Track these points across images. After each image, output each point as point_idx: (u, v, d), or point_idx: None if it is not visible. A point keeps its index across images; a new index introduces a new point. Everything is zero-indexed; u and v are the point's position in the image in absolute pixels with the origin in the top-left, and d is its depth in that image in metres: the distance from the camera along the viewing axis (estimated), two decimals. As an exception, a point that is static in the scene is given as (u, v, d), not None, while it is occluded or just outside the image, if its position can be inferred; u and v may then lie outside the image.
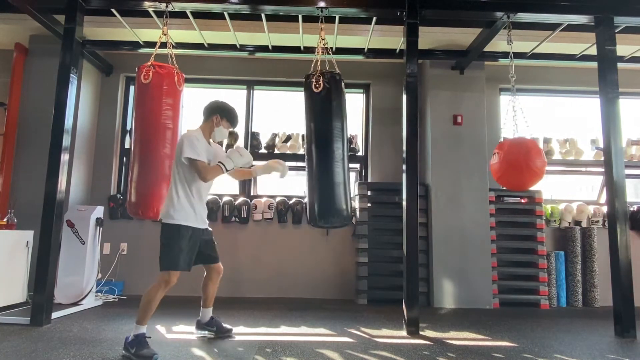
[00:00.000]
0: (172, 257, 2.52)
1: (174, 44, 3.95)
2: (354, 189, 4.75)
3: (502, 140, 3.38)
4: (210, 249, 2.79)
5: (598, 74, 3.45)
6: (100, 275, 4.04)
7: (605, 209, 4.45)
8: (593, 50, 3.77)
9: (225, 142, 4.80)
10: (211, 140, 2.81)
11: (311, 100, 3.17)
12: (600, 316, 3.91)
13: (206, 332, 2.89)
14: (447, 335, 3.10)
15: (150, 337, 2.48)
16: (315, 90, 3.10)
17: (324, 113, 3.13)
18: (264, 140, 4.89)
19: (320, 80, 3.10)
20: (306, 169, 3.23)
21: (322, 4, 3.37)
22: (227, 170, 2.64)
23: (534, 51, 4.29)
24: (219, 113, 2.77)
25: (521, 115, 3.30)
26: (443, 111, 4.55)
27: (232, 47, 4.37)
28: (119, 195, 4.66)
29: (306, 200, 3.29)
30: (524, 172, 3.11)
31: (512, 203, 4.60)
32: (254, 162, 2.94)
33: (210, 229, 2.81)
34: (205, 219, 2.74)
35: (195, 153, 2.55)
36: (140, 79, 3.14)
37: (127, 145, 4.86)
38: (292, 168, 5.11)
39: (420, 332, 3.08)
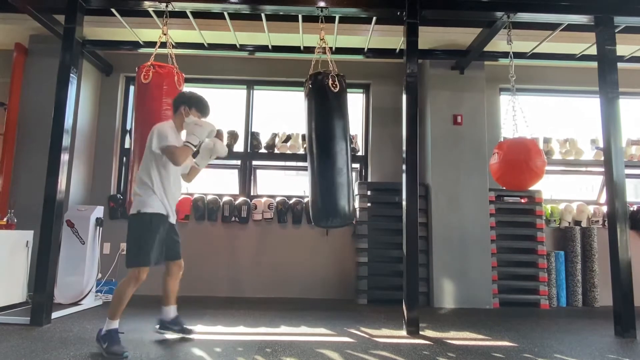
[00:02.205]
0: (143, 252, 2.50)
1: (174, 44, 3.95)
2: (354, 188, 4.75)
3: (501, 140, 3.37)
4: (174, 244, 2.74)
5: (598, 74, 3.45)
6: (100, 275, 4.04)
7: (605, 209, 4.45)
8: (593, 50, 3.77)
9: (225, 142, 4.81)
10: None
11: (320, 100, 3.19)
12: (600, 316, 3.91)
13: (169, 331, 2.82)
14: (447, 335, 3.10)
15: (122, 333, 2.53)
16: (333, 89, 3.13)
17: (330, 112, 3.16)
18: (264, 140, 4.89)
19: (336, 80, 3.15)
20: (308, 169, 3.24)
21: (322, 4, 3.37)
22: (194, 146, 2.56)
23: (534, 51, 4.29)
24: (186, 103, 2.69)
25: (521, 115, 3.29)
26: (443, 111, 4.55)
27: (232, 47, 4.37)
28: (119, 195, 4.66)
29: (307, 199, 3.29)
30: (524, 171, 3.10)
31: (512, 203, 4.60)
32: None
33: (176, 225, 2.77)
34: (174, 214, 2.70)
35: (165, 140, 2.52)
36: (140, 78, 3.15)
37: (127, 145, 4.86)
38: (292, 168, 5.16)
39: (420, 332, 3.08)
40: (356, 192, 4.56)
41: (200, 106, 2.71)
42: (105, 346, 2.40)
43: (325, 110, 3.18)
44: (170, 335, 2.87)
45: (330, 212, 3.11)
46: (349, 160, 3.19)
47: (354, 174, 5.01)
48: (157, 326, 2.85)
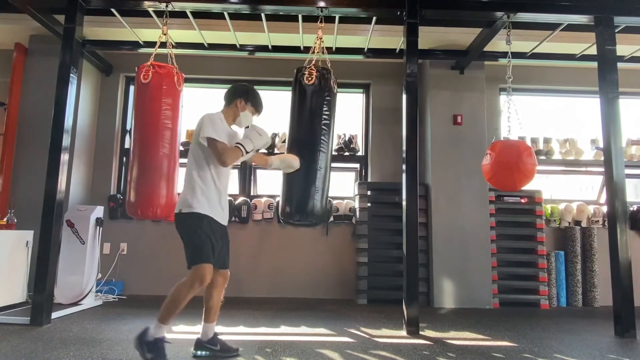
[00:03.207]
0: (203, 248, 2.23)
1: (173, 44, 3.95)
2: (354, 188, 4.76)
3: (494, 140, 3.40)
4: (226, 252, 2.47)
5: (598, 74, 3.45)
6: (100, 275, 4.04)
7: (605, 209, 4.45)
8: (593, 50, 3.77)
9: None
10: (234, 126, 2.53)
11: (299, 93, 3.10)
12: (600, 316, 3.91)
13: (208, 352, 2.45)
14: (447, 335, 3.10)
15: (170, 342, 2.29)
16: (307, 82, 3.04)
17: (302, 107, 3.08)
18: (264, 140, 4.88)
19: (314, 73, 3.05)
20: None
21: (322, 4, 3.37)
22: (246, 152, 2.35)
23: (534, 51, 4.29)
24: (244, 97, 2.50)
25: (515, 117, 3.30)
26: (443, 111, 4.54)
27: (232, 47, 4.37)
28: (119, 195, 4.66)
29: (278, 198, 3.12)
30: (515, 172, 3.13)
31: (512, 203, 4.60)
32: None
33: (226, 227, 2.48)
34: (227, 215, 2.46)
35: (215, 133, 2.28)
36: (139, 78, 3.14)
37: (127, 145, 4.86)
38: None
39: (420, 332, 3.08)
40: (356, 192, 4.56)
41: (257, 103, 2.55)
42: (150, 357, 2.16)
43: (299, 104, 3.09)
44: (171, 336, 2.86)
45: (295, 210, 2.97)
46: (323, 158, 3.04)
47: (352, 174, 5.03)
48: (193, 350, 2.47)
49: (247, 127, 2.52)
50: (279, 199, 3.15)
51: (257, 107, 2.56)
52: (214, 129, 2.31)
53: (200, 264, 2.23)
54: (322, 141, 3.05)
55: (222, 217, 2.40)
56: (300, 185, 2.98)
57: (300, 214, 2.98)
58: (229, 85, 2.62)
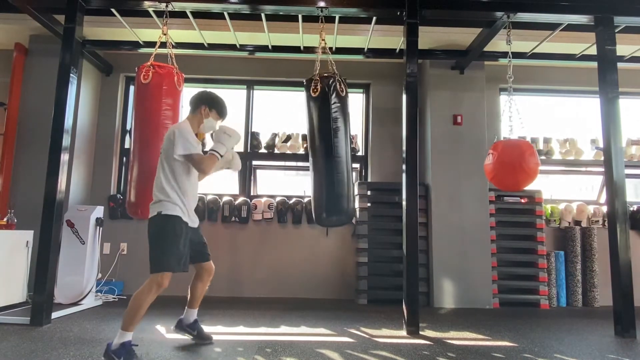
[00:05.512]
0: (166, 256, 2.39)
1: (173, 44, 3.95)
2: (354, 188, 4.76)
3: (495, 140, 3.39)
4: (202, 246, 2.64)
5: (598, 74, 3.45)
6: (100, 275, 4.04)
7: (605, 208, 4.45)
8: (593, 50, 3.77)
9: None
10: (199, 132, 2.67)
11: (312, 103, 3.25)
12: (600, 316, 3.91)
13: (186, 334, 2.72)
14: (447, 335, 3.10)
15: (137, 345, 2.36)
16: (312, 94, 3.20)
17: (337, 115, 3.22)
18: (264, 140, 4.89)
19: (318, 85, 3.18)
20: (311, 169, 3.30)
21: (322, 4, 3.37)
22: (221, 157, 2.51)
23: (534, 51, 4.29)
24: (206, 104, 2.63)
25: (517, 116, 3.29)
26: (443, 111, 4.54)
27: (232, 47, 4.37)
28: (118, 195, 4.66)
29: (307, 199, 3.32)
30: (518, 172, 3.12)
31: (512, 203, 4.60)
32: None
33: (199, 229, 2.67)
34: (196, 218, 2.62)
35: (191, 147, 2.44)
36: (139, 79, 3.14)
37: (127, 145, 4.86)
38: (292, 168, 5.15)
39: (420, 332, 3.09)
40: (356, 192, 4.56)
41: (220, 109, 2.68)
42: None
43: (333, 112, 3.22)
44: (170, 335, 2.87)
45: (335, 210, 3.19)
46: (350, 160, 3.30)
47: (354, 173, 5.03)
48: (173, 327, 2.75)
49: (213, 132, 2.62)
50: (310, 199, 3.32)
51: (220, 112, 2.69)
52: (189, 143, 2.45)
53: (162, 272, 2.39)
54: (349, 146, 3.29)
55: (192, 221, 2.56)
56: (340, 188, 3.17)
57: (342, 215, 3.20)
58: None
